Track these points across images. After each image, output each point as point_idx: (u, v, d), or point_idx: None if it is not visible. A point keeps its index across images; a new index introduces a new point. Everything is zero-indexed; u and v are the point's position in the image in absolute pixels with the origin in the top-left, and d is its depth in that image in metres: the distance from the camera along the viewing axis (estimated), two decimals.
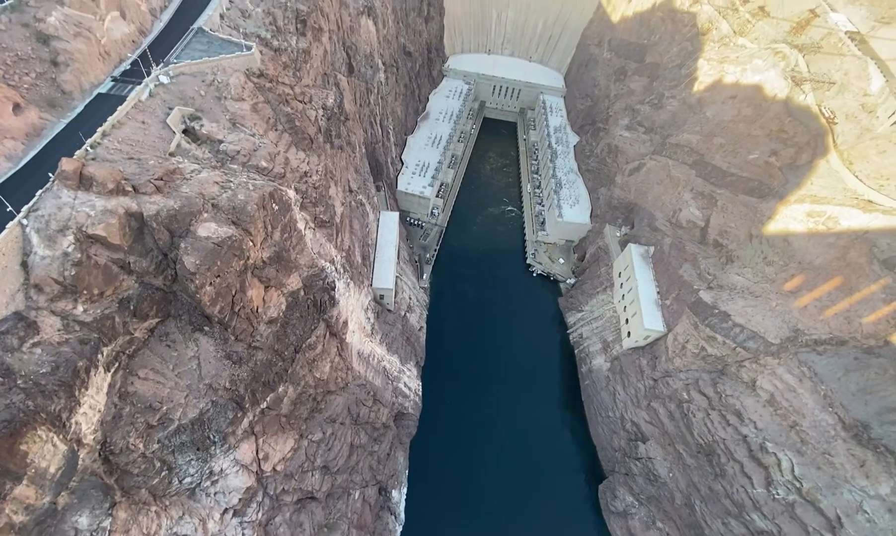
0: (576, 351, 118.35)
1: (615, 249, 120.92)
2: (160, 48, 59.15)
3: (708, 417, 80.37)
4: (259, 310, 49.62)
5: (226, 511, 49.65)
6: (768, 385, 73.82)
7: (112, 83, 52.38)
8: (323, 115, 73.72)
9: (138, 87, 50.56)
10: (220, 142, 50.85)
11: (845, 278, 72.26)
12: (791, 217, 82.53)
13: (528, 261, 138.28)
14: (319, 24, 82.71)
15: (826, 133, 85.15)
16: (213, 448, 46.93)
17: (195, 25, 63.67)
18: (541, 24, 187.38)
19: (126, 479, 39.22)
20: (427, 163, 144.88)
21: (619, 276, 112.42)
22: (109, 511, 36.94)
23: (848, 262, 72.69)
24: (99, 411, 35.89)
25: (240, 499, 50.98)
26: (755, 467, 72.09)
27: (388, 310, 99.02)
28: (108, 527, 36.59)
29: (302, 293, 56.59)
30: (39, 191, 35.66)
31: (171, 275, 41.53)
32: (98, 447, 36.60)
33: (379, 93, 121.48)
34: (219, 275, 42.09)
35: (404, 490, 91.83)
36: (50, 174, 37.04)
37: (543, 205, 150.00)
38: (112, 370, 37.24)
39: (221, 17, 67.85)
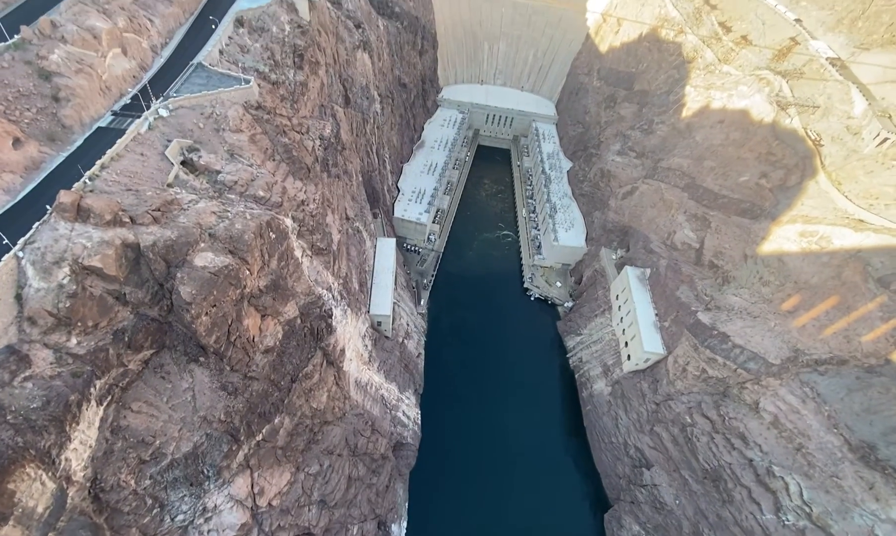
0: (576, 376, 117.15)
1: (611, 272, 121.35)
2: (160, 83, 60.43)
3: (712, 441, 79.04)
4: (255, 340, 49.07)
5: None
6: (771, 406, 72.98)
7: (112, 117, 53.25)
8: (320, 145, 74.85)
9: (137, 121, 51.39)
10: (218, 172, 51.36)
11: (841, 297, 72.51)
12: (784, 237, 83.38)
13: (525, 285, 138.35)
14: (316, 58, 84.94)
15: (813, 155, 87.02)
16: (206, 483, 45.55)
17: (195, 60, 65.25)
18: (531, 56, 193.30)
19: (116, 518, 37.83)
20: (423, 190, 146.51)
21: (617, 299, 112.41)
22: None
23: (843, 281, 73.08)
24: (90, 446, 34.93)
25: None
26: (763, 492, 70.49)
27: (386, 337, 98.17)
28: None
29: (299, 321, 56.14)
30: (36, 224, 35.72)
31: (167, 306, 41.19)
32: (88, 484, 35.43)
33: (375, 123, 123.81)
34: (215, 305, 41.80)
35: (404, 524, 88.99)
36: (48, 206, 37.18)
37: (539, 230, 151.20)
38: (105, 403, 36.44)
39: (221, 52, 69.60)
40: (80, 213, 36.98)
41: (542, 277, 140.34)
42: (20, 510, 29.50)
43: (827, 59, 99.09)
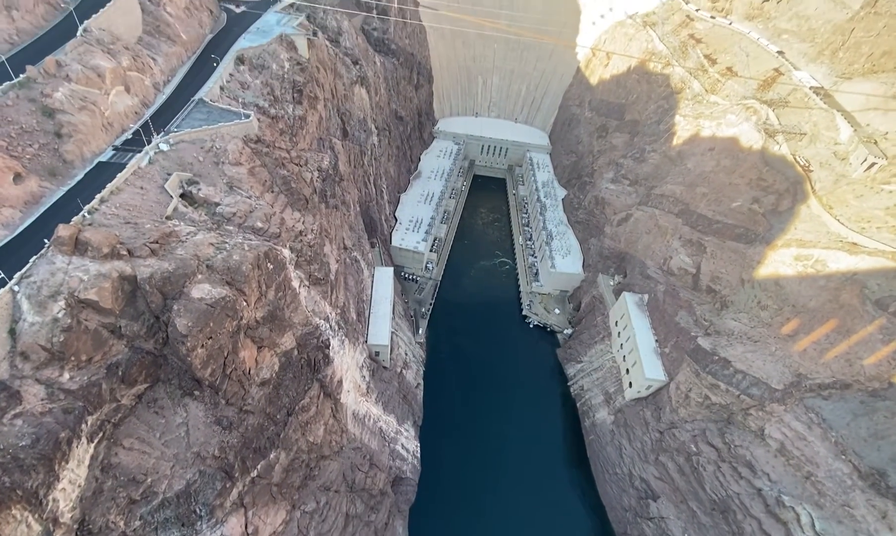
0: (578, 404, 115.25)
1: (610, 298, 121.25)
2: (162, 118, 61.53)
3: (719, 470, 77.19)
4: (251, 372, 48.31)
5: None
6: (777, 433, 71.69)
7: (113, 152, 53.85)
8: (318, 177, 75.83)
9: (138, 155, 52.05)
10: (217, 204, 51.73)
11: (840, 320, 72.42)
12: (780, 261, 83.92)
13: (524, 313, 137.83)
14: (315, 93, 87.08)
15: (804, 180, 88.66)
16: (198, 523, 43.83)
17: (196, 96, 66.73)
18: (524, 89, 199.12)
19: None
20: (420, 219, 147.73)
21: (616, 325, 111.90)
22: None
23: (841, 304, 73.15)
24: (79, 486, 33.76)
25: None
26: (774, 523, 68.36)
27: (384, 367, 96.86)
28: None
29: (296, 352, 55.44)
30: (33, 258, 35.60)
31: (163, 338, 40.67)
32: (75, 526, 34.03)
33: (372, 154, 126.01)
34: (211, 337, 41.31)
35: None
36: (45, 240, 37.14)
37: (536, 257, 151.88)
38: (96, 440, 35.43)
39: (221, 89, 71.32)
40: (78, 246, 36.97)
41: (540, 304, 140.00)
42: None
43: (811, 88, 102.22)
